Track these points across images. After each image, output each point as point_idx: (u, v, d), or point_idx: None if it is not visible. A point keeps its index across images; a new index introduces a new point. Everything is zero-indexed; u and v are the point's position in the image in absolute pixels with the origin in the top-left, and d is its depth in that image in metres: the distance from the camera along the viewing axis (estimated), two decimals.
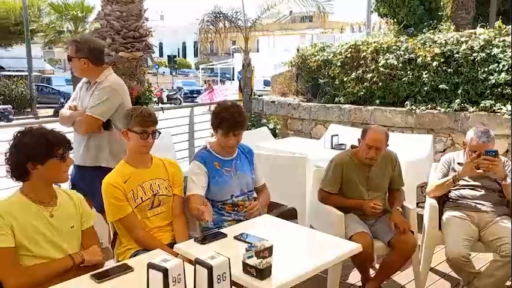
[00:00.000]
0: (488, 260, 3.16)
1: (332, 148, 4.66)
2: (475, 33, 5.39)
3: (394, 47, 5.85)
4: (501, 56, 4.96)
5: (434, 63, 5.38)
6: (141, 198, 2.60)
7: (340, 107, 6.16)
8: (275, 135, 6.35)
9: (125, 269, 2.02)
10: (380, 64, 5.84)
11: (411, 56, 5.64)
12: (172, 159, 3.00)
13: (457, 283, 3.31)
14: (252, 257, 1.93)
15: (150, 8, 6.86)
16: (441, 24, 8.11)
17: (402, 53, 5.72)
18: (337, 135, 4.83)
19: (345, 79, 6.24)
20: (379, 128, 3.21)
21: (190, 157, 5.86)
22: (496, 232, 2.99)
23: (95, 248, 2.26)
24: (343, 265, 3.14)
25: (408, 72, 5.63)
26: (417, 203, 4.33)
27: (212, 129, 2.87)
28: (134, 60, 6.38)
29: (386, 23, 9.50)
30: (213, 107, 3.07)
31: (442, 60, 5.39)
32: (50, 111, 20.44)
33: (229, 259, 1.74)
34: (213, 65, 37.81)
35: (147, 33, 6.57)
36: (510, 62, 4.87)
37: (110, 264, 2.40)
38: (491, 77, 5.02)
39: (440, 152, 5.12)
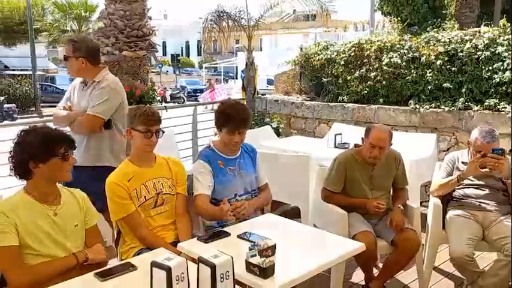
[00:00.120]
0: (492, 259, 3.14)
1: (335, 147, 4.65)
2: (479, 32, 5.38)
3: (397, 46, 5.84)
4: (505, 54, 4.94)
5: (438, 62, 5.37)
6: (145, 196, 2.61)
7: (344, 105, 6.14)
8: (278, 134, 6.35)
9: (129, 267, 2.02)
10: (384, 63, 5.83)
11: (415, 54, 5.62)
12: (176, 158, 3.00)
13: (461, 282, 3.30)
14: (255, 255, 1.93)
15: (153, 7, 6.87)
16: (445, 23, 8.10)
17: (406, 51, 5.71)
18: (340, 134, 4.82)
19: (349, 78, 6.23)
20: (383, 127, 3.19)
21: (194, 156, 5.87)
22: (500, 231, 2.98)
23: (98, 247, 2.26)
24: (347, 264, 3.13)
25: (412, 70, 5.61)
26: (421, 202, 4.33)
27: (216, 127, 2.87)
28: (138, 59, 6.40)
29: (390, 21, 9.49)
30: (215, 106, 3.07)
31: (446, 58, 5.37)
32: (54, 111, 20.45)
33: (232, 258, 1.74)
34: (216, 63, 37.74)
35: (151, 32, 6.58)
36: None
37: (113, 262, 2.41)
38: (496, 76, 5.00)
39: (444, 151, 5.10)
